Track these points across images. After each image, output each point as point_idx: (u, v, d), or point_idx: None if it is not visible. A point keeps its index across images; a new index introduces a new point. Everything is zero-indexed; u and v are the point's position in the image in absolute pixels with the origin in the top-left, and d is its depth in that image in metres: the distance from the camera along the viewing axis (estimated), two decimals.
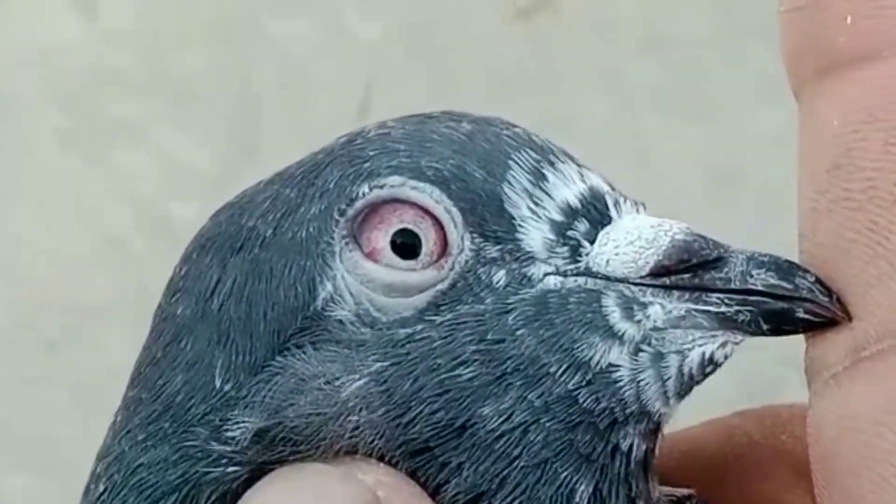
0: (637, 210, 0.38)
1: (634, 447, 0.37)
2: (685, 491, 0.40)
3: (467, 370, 0.36)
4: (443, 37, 1.31)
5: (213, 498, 0.36)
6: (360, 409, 0.36)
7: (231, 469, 0.36)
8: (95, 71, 1.27)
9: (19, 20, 1.29)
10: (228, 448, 0.36)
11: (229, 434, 0.36)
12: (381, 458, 0.36)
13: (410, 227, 0.37)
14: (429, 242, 0.37)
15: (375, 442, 0.36)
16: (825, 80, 0.36)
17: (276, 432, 0.36)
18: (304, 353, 0.36)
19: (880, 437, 0.34)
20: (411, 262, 0.37)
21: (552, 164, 0.37)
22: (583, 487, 0.36)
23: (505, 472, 0.36)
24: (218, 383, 0.37)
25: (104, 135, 1.25)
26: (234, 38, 1.29)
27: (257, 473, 0.36)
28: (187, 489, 0.37)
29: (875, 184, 0.35)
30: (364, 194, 0.37)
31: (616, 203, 0.37)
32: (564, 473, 0.36)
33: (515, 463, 0.36)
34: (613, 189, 0.38)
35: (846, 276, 0.35)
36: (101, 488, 0.38)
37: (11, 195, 1.22)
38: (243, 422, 0.36)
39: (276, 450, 0.36)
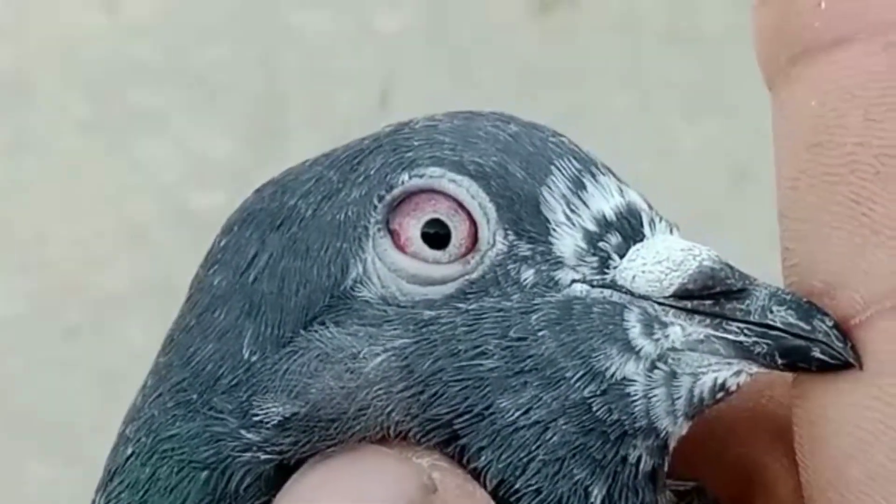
0: (671, 231, 0.38)
1: (642, 461, 0.37)
2: (691, 483, 0.40)
3: (487, 361, 0.36)
4: (464, 30, 1.32)
5: (248, 480, 0.37)
6: (381, 382, 0.36)
7: (263, 456, 0.37)
8: (119, 62, 1.28)
9: (43, 11, 1.30)
10: (258, 438, 0.37)
11: (257, 419, 0.37)
12: (405, 438, 0.36)
13: (443, 218, 0.37)
14: (459, 236, 0.37)
15: (401, 420, 0.36)
16: (800, 65, 0.37)
17: (302, 415, 0.37)
18: (328, 330, 0.37)
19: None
20: (439, 254, 0.37)
21: (593, 175, 0.38)
22: (596, 491, 0.37)
23: (525, 463, 0.37)
24: (246, 354, 0.37)
25: (127, 125, 1.25)
26: (257, 30, 1.30)
27: (290, 460, 0.37)
28: (221, 468, 0.37)
29: (856, 157, 0.35)
30: (403, 182, 0.37)
31: (651, 222, 0.38)
32: (579, 474, 0.37)
33: (534, 455, 0.37)
34: (651, 208, 0.38)
35: (830, 248, 0.36)
36: (129, 451, 0.38)
37: (34, 184, 1.23)
38: (270, 408, 0.37)
39: (305, 437, 0.37)
